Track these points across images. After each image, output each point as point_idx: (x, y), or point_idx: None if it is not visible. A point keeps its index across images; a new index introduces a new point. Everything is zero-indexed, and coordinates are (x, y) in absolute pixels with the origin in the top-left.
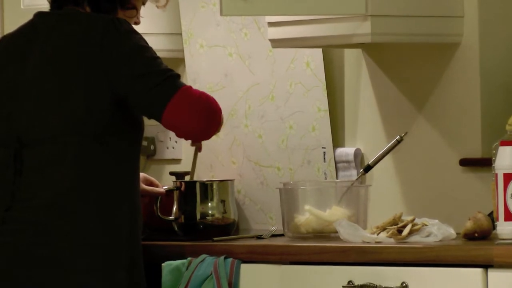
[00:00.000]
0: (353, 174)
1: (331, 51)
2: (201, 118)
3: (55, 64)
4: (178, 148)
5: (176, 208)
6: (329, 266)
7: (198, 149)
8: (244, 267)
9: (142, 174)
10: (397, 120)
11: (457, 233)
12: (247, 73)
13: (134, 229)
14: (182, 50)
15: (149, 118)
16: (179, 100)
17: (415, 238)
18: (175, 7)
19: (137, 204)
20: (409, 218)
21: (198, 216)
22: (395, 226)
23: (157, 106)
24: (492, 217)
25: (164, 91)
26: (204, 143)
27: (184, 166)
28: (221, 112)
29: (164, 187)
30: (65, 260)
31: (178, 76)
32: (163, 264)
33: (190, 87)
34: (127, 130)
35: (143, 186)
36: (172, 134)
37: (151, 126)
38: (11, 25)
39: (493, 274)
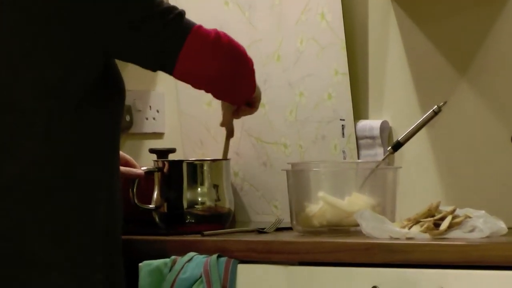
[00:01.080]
0: (378, 153)
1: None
2: (222, 61)
3: (25, 10)
4: (160, 119)
5: (157, 194)
6: (348, 268)
7: (230, 133)
8: (242, 268)
9: None
10: (434, 86)
11: (508, 228)
12: (247, 27)
13: (113, 221)
14: None
15: (154, 70)
16: (193, 43)
17: (455, 233)
18: None
19: (117, 192)
20: (449, 208)
21: (185, 205)
22: (431, 219)
23: (167, 56)
24: None
25: (172, 35)
26: (193, 114)
27: (167, 142)
28: (251, 62)
29: (143, 168)
30: (30, 255)
31: (184, 14)
32: (140, 264)
33: (201, 26)
34: (109, 98)
35: None
36: (153, 102)
37: (126, 91)
38: None
39: None
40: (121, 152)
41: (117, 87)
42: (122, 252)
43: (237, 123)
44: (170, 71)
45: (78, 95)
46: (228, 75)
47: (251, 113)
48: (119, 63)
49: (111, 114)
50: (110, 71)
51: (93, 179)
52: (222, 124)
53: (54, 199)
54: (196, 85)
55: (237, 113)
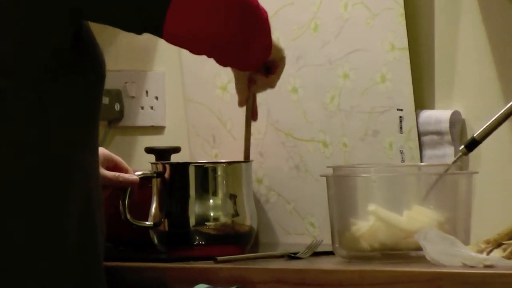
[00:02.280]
0: (447, 153)
1: None
2: (225, 15)
3: None
4: (160, 109)
5: (155, 208)
6: None
7: (250, 115)
8: None
9: (99, 151)
10: None
11: None
12: None
13: (89, 240)
14: None
15: (140, 32)
16: None
17: None
18: None
19: (94, 201)
20: None
21: (192, 221)
22: None
23: (152, 11)
24: None
25: None
26: (203, 101)
27: (169, 138)
28: (265, 13)
29: (137, 173)
30: None
31: None
32: None
33: None
34: (80, 77)
35: (102, 170)
36: (150, 86)
37: (114, 72)
38: None
39: None
40: (107, 152)
41: (93, 59)
42: (104, 279)
43: (261, 113)
44: (159, 32)
45: (38, 70)
46: (235, 34)
47: (271, 84)
48: (107, 34)
49: (83, 98)
50: (81, 41)
51: (60, 185)
52: (240, 103)
53: (3, 210)
54: (195, 49)
55: (253, 84)
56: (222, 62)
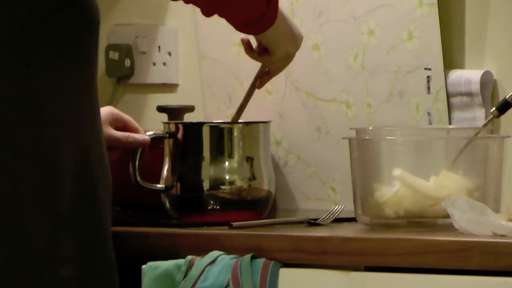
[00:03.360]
0: (478, 116)
1: None
2: None
3: None
4: (173, 66)
5: (167, 170)
6: (435, 276)
7: (258, 83)
8: (286, 273)
9: (107, 110)
10: None
11: None
12: None
13: (89, 203)
14: None
15: None
16: None
17: None
18: None
19: (93, 162)
20: None
21: (206, 185)
22: None
23: None
24: None
25: None
26: (218, 58)
27: (182, 97)
28: None
29: (148, 133)
30: None
31: None
32: (144, 266)
33: None
34: (70, 21)
35: (110, 130)
36: (162, 41)
37: (124, 26)
38: None
39: None
40: (116, 111)
41: (81, 8)
42: (112, 245)
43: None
44: None
45: (19, 19)
46: None
47: (266, 64)
48: None
49: (74, 46)
50: None
51: (53, 144)
52: (261, 70)
53: None
54: None
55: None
56: (204, 11)
